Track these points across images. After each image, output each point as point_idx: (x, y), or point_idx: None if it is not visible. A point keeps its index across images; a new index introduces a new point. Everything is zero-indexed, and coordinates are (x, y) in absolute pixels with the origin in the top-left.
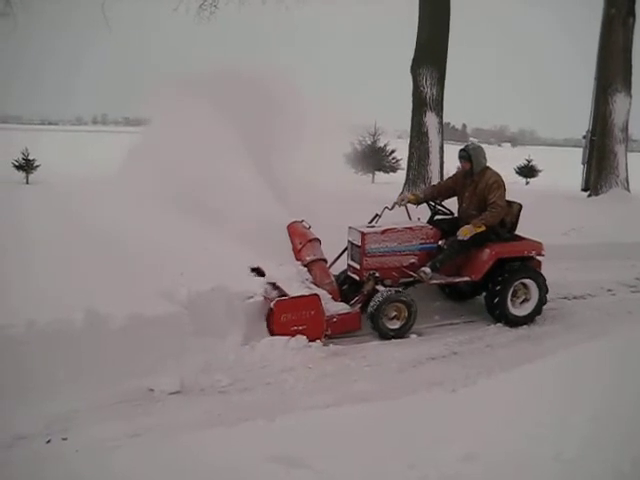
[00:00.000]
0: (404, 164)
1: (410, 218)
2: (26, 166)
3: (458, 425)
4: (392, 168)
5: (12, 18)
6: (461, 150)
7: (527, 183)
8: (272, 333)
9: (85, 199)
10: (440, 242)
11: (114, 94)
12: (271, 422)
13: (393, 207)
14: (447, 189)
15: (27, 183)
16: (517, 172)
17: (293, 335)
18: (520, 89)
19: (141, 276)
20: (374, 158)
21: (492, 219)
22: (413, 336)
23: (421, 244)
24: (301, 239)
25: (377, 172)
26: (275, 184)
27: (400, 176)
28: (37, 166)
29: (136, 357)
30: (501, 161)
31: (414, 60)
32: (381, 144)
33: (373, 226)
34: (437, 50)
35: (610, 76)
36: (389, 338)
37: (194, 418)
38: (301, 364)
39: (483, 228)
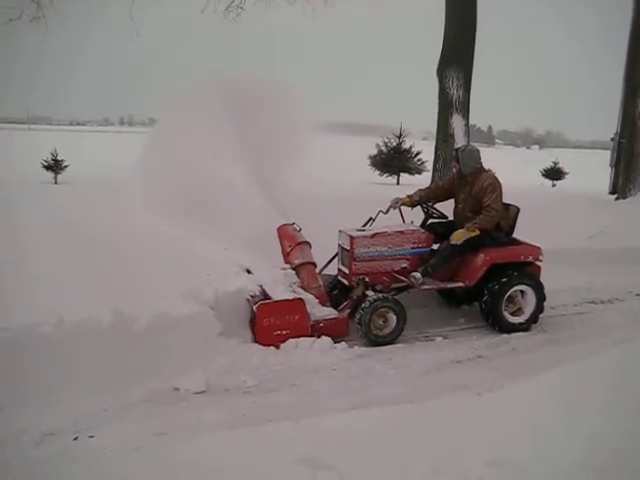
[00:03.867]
0: (429, 166)
1: (404, 221)
2: (55, 166)
3: (484, 430)
4: (417, 170)
5: (44, 22)
6: (454, 150)
7: (554, 185)
8: (255, 337)
9: (108, 201)
10: (435, 246)
11: (141, 95)
12: (296, 423)
13: (388, 210)
14: (443, 191)
15: (56, 183)
16: (543, 174)
17: (277, 340)
18: (547, 91)
19: (166, 277)
20: (399, 160)
21: (486, 223)
22: (439, 339)
23: (413, 248)
24: (290, 242)
25: (402, 174)
26: (278, 186)
27: (426, 178)
28: (65, 166)
29: (162, 357)
30: (528, 163)
31: (440, 62)
32: (406, 146)
33: (363, 230)
34: (463, 52)
35: (639, 77)
36: (379, 345)
37: (219, 418)
38: (326, 366)
39: (477, 232)
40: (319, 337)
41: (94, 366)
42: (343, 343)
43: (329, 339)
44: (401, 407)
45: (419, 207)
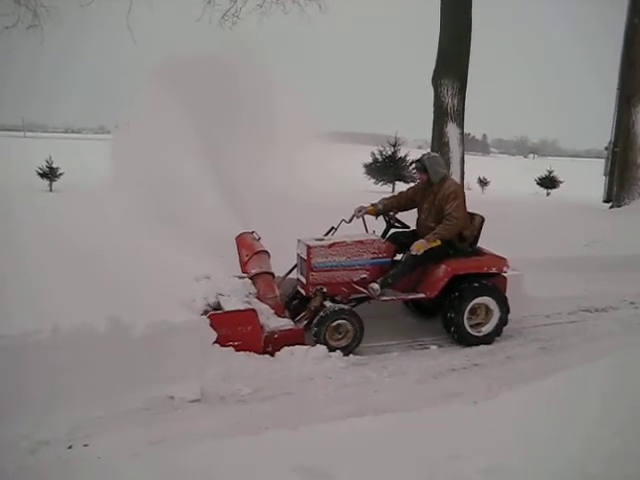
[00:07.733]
0: None
1: (367, 230)
2: (50, 174)
3: (479, 438)
4: (412, 178)
5: (40, 30)
6: (416, 161)
7: (548, 194)
8: None
9: (99, 208)
10: (399, 256)
11: (136, 103)
12: (292, 431)
13: (351, 220)
14: (408, 200)
15: (50, 191)
16: (538, 183)
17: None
18: (541, 100)
19: (158, 284)
20: (394, 168)
21: (447, 232)
22: (434, 347)
23: (372, 258)
24: (248, 251)
25: (397, 182)
26: (245, 193)
27: None
28: (60, 174)
29: (157, 365)
30: (523, 172)
31: (435, 71)
32: (401, 154)
33: (322, 239)
34: (458, 61)
35: (633, 86)
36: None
37: (214, 426)
38: (321, 374)
39: (438, 243)
40: (275, 349)
41: (89, 373)
42: (338, 351)
43: (324, 347)
44: (397, 415)
45: (374, 217)
